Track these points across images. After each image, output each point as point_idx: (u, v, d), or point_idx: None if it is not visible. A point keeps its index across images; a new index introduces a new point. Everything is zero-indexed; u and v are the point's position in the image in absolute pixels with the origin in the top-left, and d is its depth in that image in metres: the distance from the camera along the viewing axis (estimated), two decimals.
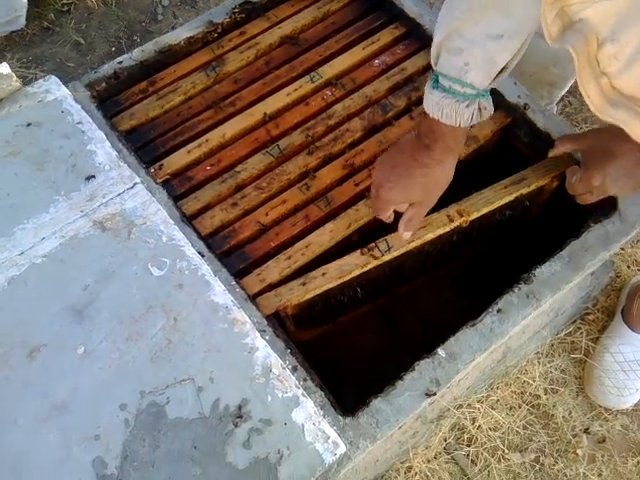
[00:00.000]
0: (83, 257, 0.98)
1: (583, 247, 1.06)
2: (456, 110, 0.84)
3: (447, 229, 1.08)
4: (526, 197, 1.14)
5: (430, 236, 1.07)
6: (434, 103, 0.85)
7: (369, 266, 1.05)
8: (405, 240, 1.02)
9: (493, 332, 1.00)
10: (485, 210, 1.09)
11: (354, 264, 1.05)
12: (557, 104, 1.66)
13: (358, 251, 1.06)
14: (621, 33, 0.54)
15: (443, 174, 0.93)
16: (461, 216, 1.07)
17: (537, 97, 1.33)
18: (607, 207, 1.09)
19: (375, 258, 1.04)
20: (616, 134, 0.89)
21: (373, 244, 1.06)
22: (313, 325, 1.27)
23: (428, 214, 1.02)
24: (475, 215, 1.09)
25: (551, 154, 1.07)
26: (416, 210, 0.97)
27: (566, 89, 1.52)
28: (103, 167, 1.05)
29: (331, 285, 1.05)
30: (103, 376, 0.89)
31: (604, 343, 1.44)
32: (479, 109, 0.85)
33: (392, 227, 1.03)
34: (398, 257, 1.07)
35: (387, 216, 0.99)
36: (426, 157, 0.91)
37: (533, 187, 1.11)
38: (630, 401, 1.39)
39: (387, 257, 1.05)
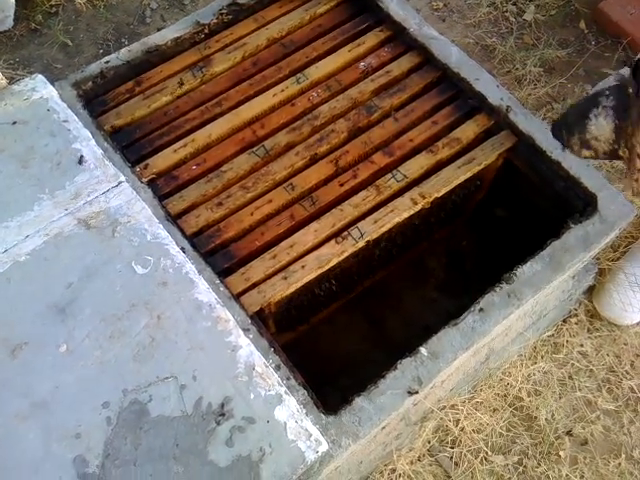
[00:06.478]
0: (67, 255, 0.97)
1: (563, 248, 1.07)
2: None
3: (412, 212, 1.12)
4: (477, 176, 1.20)
5: (397, 220, 1.11)
6: None
7: (345, 254, 1.08)
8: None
9: (475, 331, 1.01)
10: (444, 190, 1.15)
11: (331, 253, 1.07)
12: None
13: (333, 241, 1.08)
14: None
15: None
16: (424, 198, 1.12)
17: None
18: (588, 208, 1.11)
19: (351, 245, 1.08)
20: None
21: (346, 232, 1.09)
22: (293, 326, 1.28)
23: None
24: (436, 195, 1.14)
25: None
26: None
27: None
28: (88, 165, 1.05)
29: (311, 276, 1.06)
30: (85, 374, 0.89)
31: (621, 265, 1.49)
32: None
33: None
34: (369, 243, 1.11)
35: None
36: None
37: (483, 165, 1.17)
38: (631, 318, 1.46)
39: (361, 243, 1.08)
